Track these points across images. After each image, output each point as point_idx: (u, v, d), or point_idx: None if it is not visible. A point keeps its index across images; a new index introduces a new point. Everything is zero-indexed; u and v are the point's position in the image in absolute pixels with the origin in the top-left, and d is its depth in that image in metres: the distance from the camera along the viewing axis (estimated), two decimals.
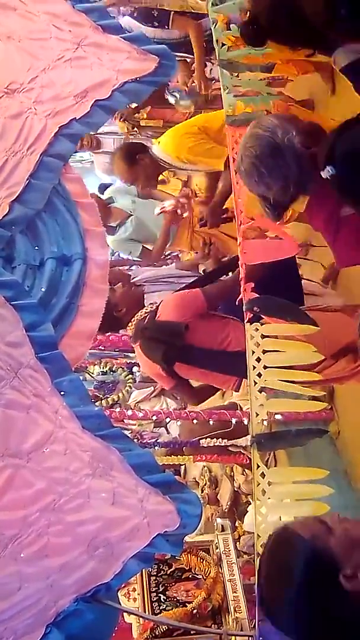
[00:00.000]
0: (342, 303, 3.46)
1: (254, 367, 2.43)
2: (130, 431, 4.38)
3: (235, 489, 4.71)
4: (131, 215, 4.70)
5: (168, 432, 4.96)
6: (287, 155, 2.30)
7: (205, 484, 4.98)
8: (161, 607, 3.67)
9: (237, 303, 2.60)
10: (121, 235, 4.69)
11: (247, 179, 2.45)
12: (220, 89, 3.10)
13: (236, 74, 3.03)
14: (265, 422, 2.40)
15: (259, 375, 2.41)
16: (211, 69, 4.80)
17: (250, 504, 4.18)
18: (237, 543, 4.13)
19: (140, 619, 3.58)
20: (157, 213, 4.42)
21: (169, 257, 5.27)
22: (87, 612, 1.97)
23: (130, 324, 3.47)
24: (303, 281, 3.52)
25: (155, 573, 3.77)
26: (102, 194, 5.05)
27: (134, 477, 2.12)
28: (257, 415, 2.38)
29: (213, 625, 3.45)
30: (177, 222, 4.49)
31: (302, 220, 3.90)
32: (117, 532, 2.03)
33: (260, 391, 2.40)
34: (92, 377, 4.49)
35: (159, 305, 3.33)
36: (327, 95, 3.93)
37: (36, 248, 2.44)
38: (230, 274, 3.40)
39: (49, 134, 2.53)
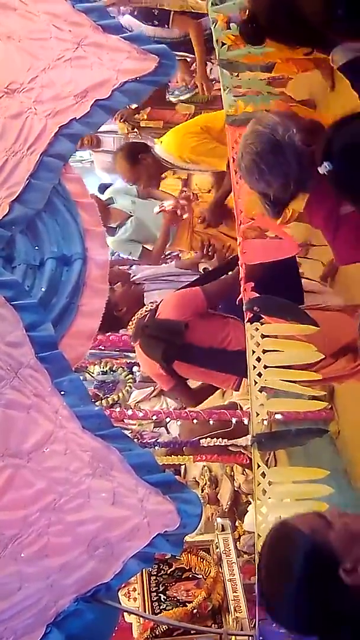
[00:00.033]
0: (343, 302, 3.46)
1: (254, 367, 2.43)
2: (130, 431, 4.38)
3: (236, 489, 4.71)
4: (131, 216, 4.69)
5: (168, 432, 4.96)
6: (288, 153, 2.31)
7: (205, 484, 4.98)
8: (161, 607, 3.67)
9: (237, 303, 2.60)
10: (121, 236, 4.69)
11: (247, 176, 2.45)
12: (220, 89, 3.09)
13: (236, 74, 3.03)
14: (265, 422, 2.40)
15: (259, 374, 2.42)
16: (211, 69, 4.79)
17: (250, 503, 4.18)
18: (238, 543, 4.12)
19: (141, 618, 3.58)
20: (157, 212, 4.42)
21: (169, 257, 5.26)
22: (87, 612, 1.97)
23: (130, 323, 3.47)
24: (303, 280, 3.52)
25: (155, 573, 3.77)
26: (102, 194, 5.05)
27: (134, 477, 2.13)
28: (258, 414, 2.39)
29: (213, 625, 3.46)
30: (176, 223, 4.48)
31: (302, 220, 3.90)
32: (117, 532, 2.03)
33: (260, 391, 2.41)
34: (92, 376, 4.49)
35: (159, 304, 3.34)
36: (327, 92, 3.92)
37: (36, 248, 2.44)
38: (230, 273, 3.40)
39: (49, 133, 2.53)
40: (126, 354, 4.61)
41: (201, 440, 4.29)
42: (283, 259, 2.67)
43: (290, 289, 3.20)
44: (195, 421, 4.04)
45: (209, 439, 4.26)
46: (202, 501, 3.95)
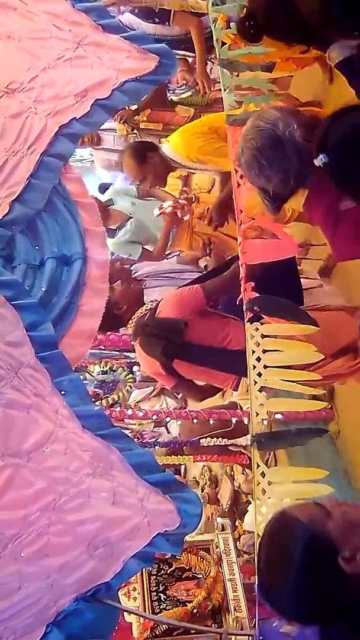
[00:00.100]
0: (343, 303, 3.46)
1: (254, 367, 2.43)
2: (130, 431, 4.38)
3: (236, 489, 4.70)
4: (131, 217, 4.69)
5: (168, 432, 4.95)
6: (288, 148, 2.30)
7: (205, 483, 4.98)
8: (161, 607, 3.66)
9: (237, 302, 2.60)
10: (121, 238, 4.68)
11: (247, 171, 2.45)
12: (220, 91, 3.09)
13: (236, 73, 3.03)
14: (265, 422, 2.40)
15: (259, 374, 2.42)
16: (211, 68, 4.79)
17: (250, 503, 4.18)
18: (237, 542, 4.12)
19: (141, 618, 3.57)
20: (157, 214, 4.42)
21: (169, 256, 5.26)
22: (87, 612, 1.97)
23: (130, 322, 3.47)
24: (302, 279, 3.53)
25: (155, 572, 3.77)
26: (103, 193, 5.04)
27: (134, 477, 2.13)
28: (257, 414, 2.39)
29: (213, 625, 3.45)
30: (177, 225, 4.48)
31: (302, 220, 3.90)
32: (117, 531, 2.03)
33: (260, 390, 2.41)
34: (92, 376, 4.49)
35: (159, 302, 3.34)
36: (326, 86, 3.92)
37: (36, 248, 2.44)
38: None
39: (49, 133, 2.54)
40: (126, 354, 4.61)
41: (201, 440, 4.29)
42: (283, 259, 2.67)
43: (291, 289, 3.20)
44: (195, 421, 4.04)
45: (209, 439, 4.25)
46: (202, 501, 3.95)
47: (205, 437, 4.28)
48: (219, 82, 3.18)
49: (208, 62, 4.74)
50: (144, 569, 3.46)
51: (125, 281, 3.94)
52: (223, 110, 3.00)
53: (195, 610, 3.49)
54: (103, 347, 4.33)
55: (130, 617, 3.60)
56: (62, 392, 2.19)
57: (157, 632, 3.44)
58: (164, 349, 3.16)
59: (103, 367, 4.50)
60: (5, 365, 2.14)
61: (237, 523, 4.44)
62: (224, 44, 3.04)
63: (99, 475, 2.09)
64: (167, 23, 4.49)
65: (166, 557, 3.69)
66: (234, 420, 4.00)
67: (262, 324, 2.49)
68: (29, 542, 1.97)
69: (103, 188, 5.26)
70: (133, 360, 4.52)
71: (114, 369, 4.54)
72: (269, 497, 2.24)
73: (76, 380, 2.26)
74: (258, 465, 2.30)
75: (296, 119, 2.36)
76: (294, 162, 2.32)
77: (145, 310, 3.41)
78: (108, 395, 4.36)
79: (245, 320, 2.51)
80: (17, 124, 2.55)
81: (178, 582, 3.75)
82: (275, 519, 1.64)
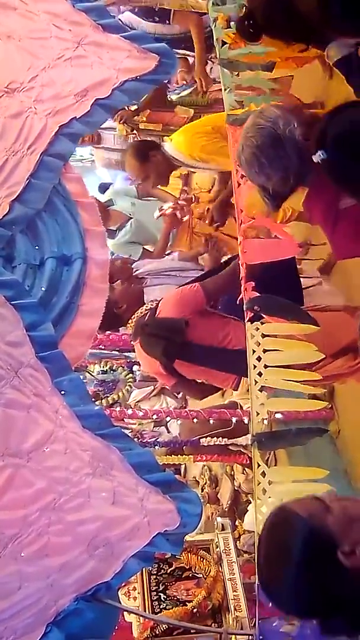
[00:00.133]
0: (343, 303, 3.46)
1: (255, 366, 2.43)
2: (130, 430, 4.37)
3: (236, 488, 4.70)
4: (131, 218, 4.69)
5: (168, 431, 4.95)
6: (288, 147, 2.30)
7: (205, 483, 4.98)
8: (161, 606, 3.66)
9: (237, 302, 2.60)
10: (121, 239, 4.69)
11: (247, 169, 2.45)
12: (220, 91, 3.09)
13: (237, 73, 3.03)
14: (265, 421, 2.40)
15: (260, 374, 2.42)
16: (211, 68, 4.79)
17: (250, 502, 4.18)
18: (238, 542, 4.12)
19: (141, 618, 3.57)
20: (157, 216, 4.42)
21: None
22: (87, 611, 1.97)
23: (130, 321, 3.47)
24: (302, 278, 3.53)
25: (155, 572, 3.77)
26: (103, 193, 5.04)
27: (134, 477, 2.13)
28: (258, 414, 2.39)
29: (213, 624, 3.45)
30: (177, 225, 4.48)
31: (301, 220, 3.90)
32: (117, 531, 2.03)
33: (260, 390, 2.41)
34: (92, 376, 4.49)
35: (159, 302, 3.34)
36: (326, 81, 3.92)
37: (36, 247, 2.44)
38: None
39: (49, 133, 2.54)
40: (126, 355, 4.61)
41: (201, 440, 4.29)
42: (283, 259, 2.67)
43: (291, 289, 3.20)
44: (195, 420, 4.04)
45: (209, 438, 4.25)
46: (202, 500, 3.96)
47: (206, 437, 4.27)
48: (219, 82, 3.17)
49: (208, 61, 4.73)
50: (144, 569, 3.45)
51: (126, 280, 3.95)
52: (223, 111, 3.00)
53: (195, 610, 3.49)
54: (103, 347, 4.32)
55: (130, 616, 3.60)
56: (62, 392, 2.19)
57: (157, 632, 3.43)
58: (164, 348, 3.16)
59: (103, 367, 4.50)
60: (5, 365, 2.14)
61: (237, 523, 4.44)
62: (224, 43, 3.04)
63: (99, 475, 2.09)
64: (167, 21, 4.49)
65: (166, 556, 3.69)
66: (234, 419, 4.00)
67: (262, 323, 2.49)
68: (29, 541, 1.97)
69: (103, 188, 5.25)
70: (133, 360, 4.52)
71: (114, 368, 4.53)
72: (270, 497, 2.24)
73: (76, 380, 2.26)
74: (258, 465, 2.30)
75: (297, 117, 2.36)
76: (293, 160, 2.32)
77: (146, 309, 3.41)
78: (108, 395, 4.36)
79: (246, 320, 2.51)
80: (17, 123, 2.55)
81: (178, 581, 3.75)
82: (274, 513, 1.64)
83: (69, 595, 1.96)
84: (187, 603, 3.58)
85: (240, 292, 2.57)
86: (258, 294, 2.52)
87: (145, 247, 4.72)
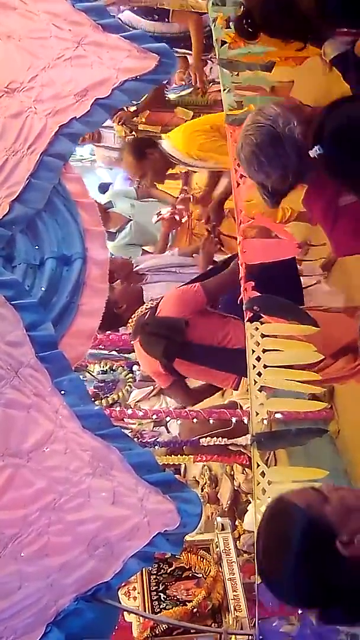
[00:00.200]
0: (343, 304, 3.46)
1: (254, 366, 2.43)
2: (130, 430, 4.37)
3: (236, 488, 4.70)
4: (130, 220, 4.69)
5: (168, 431, 4.95)
6: (287, 145, 2.31)
7: (205, 483, 4.98)
8: (161, 606, 3.66)
9: (238, 302, 2.60)
10: (120, 241, 4.69)
11: (246, 167, 2.46)
12: (219, 92, 3.09)
13: (236, 73, 3.03)
14: (265, 421, 2.40)
15: (259, 374, 2.42)
16: (211, 68, 4.79)
17: (250, 502, 4.18)
18: (237, 542, 4.11)
19: (141, 617, 3.57)
20: (155, 221, 4.41)
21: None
22: (87, 611, 1.97)
23: (130, 321, 3.47)
24: (302, 278, 3.53)
25: (155, 572, 3.76)
26: (103, 193, 5.05)
27: (134, 476, 2.13)
28: (257, 414, 2.39)
29: (213, 624, 3.45)
30: (176, 227, 4.48)
31: (301, 220, 3.90)
32: (117, 531, 2.03)
33: (260, 390, 2.40)
34: (92, 376, 4.49)
35: (159, 301, 3.34)
36: (326, 74, 3.92)
37: (36, 247, 2.44)
38: None
39: (49, 133, 2.54)
40: (126, 355, 4.61)
41: (201, 440, 4.29)
42: (283, 259, 2.68)
43: (291, 289, 3.20)
44: (195, 420, 4.04)
45: (208, 438, 4.25)
46: (202, 500, 3.96)
47: (205, 437, 4.27)
48: (219, 83, 3.17)
49: (208, 61, 4.74)
50: (143, 569, 3.46)
51: (126, 279, 3.94)
52: (223, 111, 3.00)
53: (195, 610, 3.49)
54: (103, 347, 4.32)
55: (130, 616, 3.60)
56: (62, 392, 2.19)
57: (157, 632, 3.43)
58: (164, 348, 3.17)
59: (103, 367, 4.50)
60: (5, 365, 2.14)
61: (237, 522, 4.44)
62: (223, 43, 3.04)
63: (99, 475, 2.09)
64: (166, 20, 4.50)
65: (166, 556, 3.69)
66: (234, 419, 4.00)
67: (261, 323, 2.48)
68: (29, 541, 1.97)
69: (103, 188, 5.26)
70: (132, 361, 4.52)
71: (113, 368, 4.53)
72: (269, 497, 2.24)
73: (76, 380, 2.26)
74: (258, 465, 2.30)
75: (296, 115, 2.36)
76: (293, 159, 2.32)
77: (146, 309, 3.41)
78: (108, 395, 4.36)
79: (245, 320, 2.51)
80: (17, 123, 2.55)
81: (178, 581, 3.75)
82: (272, 505, 1.64)
83: (69, 595, 1.96)
84: (187, 603, 3.58)
85: (241, 292, 2.57)
86: (258, 294, 2.52)
87: (145, 248, 4.73)
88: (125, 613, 3.37)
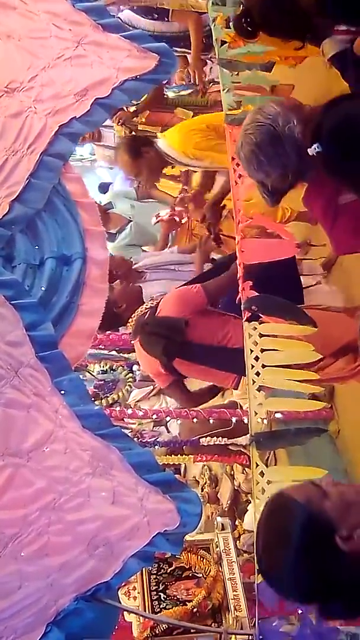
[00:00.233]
0: (342, 303, 3.46)
1: (253, 366, 2.43)
2: (130, 430, 4.38)
3: (236, 488, 4.70)
4: (130, 221, 4.69)
5: (168, 431, 4.96)
6: (287, 145, 2.30)
7: (205, 483, 4.98)
8: (161, 606, 3.66)
9: (237, 302, 2.60)
10: (120, 242, 4.69)
11: (246, 166, 2.46)
12: (219, 92, 3.09)
13: (236, 73, 3.03)
14: (264, 421, 2.40)
15: (258, 374, 2.42)
16: (211, 68, 4.79)
17: (250, 502, 4.18)
18: (237, 542, 4.12)
19: (141, 617, 3.57)
20: (154, 223, 4.41)
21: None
22: (87, 611, 1.97)
23: (130, 321, 3.47)
24: (302, 277, 3.53)
25: (155, 572, 3.77)
26: (103, 193, 5.05)
27: (134, 476, 2.13)
28: (256, 414, 2.39)
29: (213, 624, 3.45)
30: (175, 228, 4.49)
31: (301, 220, 3.90)
32: (117, 531, 2.03)
33: (258, 390, 2.40)
34: (92, 375, 4.49)
35: (159, 301, 3.35)
36: (327, 70, 3.93)
37: (36, 247, 2.44)
38: None
39: (49, 132, 2.54)
40: (126, 355, 4.61)
41: (201, 439, 4.29)
42: (283, 258, 2.68)
43: (290, 289, 3.20)
44: (195, 420, 4.04)
45: (208, 438, 4.26)
46: (202, 500, 3.96)
47: (205, 437, 4.28)
48: (219, 83, 3.17)
49: (208, 61, 4.74)
50: (143, 569, 3.46)
51: (125, 278, 3.95)
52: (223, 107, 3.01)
53: (195, 610, 3.49)
54: (103, 347, 4.33)
55: (130, 616, 3.60)
56: (62, 392, 2.19)
57: (157, 632, 3.43)
58: (164, 347, 3.17)
59: (103, 367, 4.50)
60: (5, 364, 2.14)
61: (237, 522, 4.45)
62: (223, 43, 3.04)
63: (99, 474, 2.09)
64: (166, 19, 4.50)
65: (166, 556, 3.69)
66: (234, 419, 4.00)
67: (260, 323, 2.48)
68: (29, 541, 1.98)
69: (103, 187, 5.26)
70: (132, 361, 4.52)
71: (113, 368, 4.54)
72: (268, 497, 2.23)
73: (76, 380, 2.26)
74: (257, 465, 2.30)
75: (296, 114, 2.36)
76: (292, 158, 2.32)
77: (145, 309, 3.42)
78: (108, 395, 4.36)
79: (244, 319, 2.51)
80: (17, 123, 2.55)
81: (178, 581, 3.75)
82: (272, 500, 1.65)
83: (69, 595, 1.96)
84: (187, 603, 3.58)
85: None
86: (256, 294, 2.52)
87: (145, 249, 4.73)
88: (125, 613, 3.37)
